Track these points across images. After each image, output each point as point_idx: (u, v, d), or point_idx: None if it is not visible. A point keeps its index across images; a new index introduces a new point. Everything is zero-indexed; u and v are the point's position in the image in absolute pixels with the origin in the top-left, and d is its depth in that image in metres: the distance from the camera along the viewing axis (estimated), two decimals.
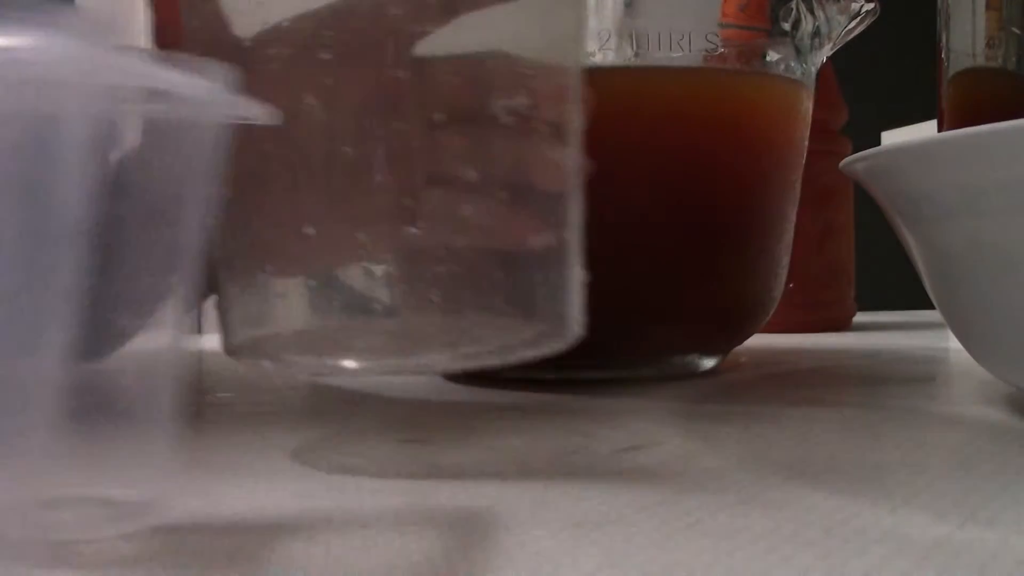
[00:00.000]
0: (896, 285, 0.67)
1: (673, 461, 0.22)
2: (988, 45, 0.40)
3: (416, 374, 0.21)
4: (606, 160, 0.35)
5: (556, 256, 0.23)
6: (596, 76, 0.35)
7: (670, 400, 0.31)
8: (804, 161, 0.39)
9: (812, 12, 0.37)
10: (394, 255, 0.22)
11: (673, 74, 0.35)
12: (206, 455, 0.24)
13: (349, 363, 0.22)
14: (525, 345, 0.22)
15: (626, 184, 0.34)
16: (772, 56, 0.36)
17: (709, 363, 0.39)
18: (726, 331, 0.39)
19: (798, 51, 0.37)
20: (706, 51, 0.35)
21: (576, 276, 0.24)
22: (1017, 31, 0.39)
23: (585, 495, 0.19)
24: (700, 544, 0.15)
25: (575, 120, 0.24)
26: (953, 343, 0.49)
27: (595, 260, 0.35)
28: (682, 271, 0.36)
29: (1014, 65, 0.40)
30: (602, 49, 0.34)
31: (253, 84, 0.18)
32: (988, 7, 0.40)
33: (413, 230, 0.21)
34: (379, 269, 0.22)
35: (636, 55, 0.34)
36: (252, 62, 0.20)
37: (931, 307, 0.29)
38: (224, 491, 0.20)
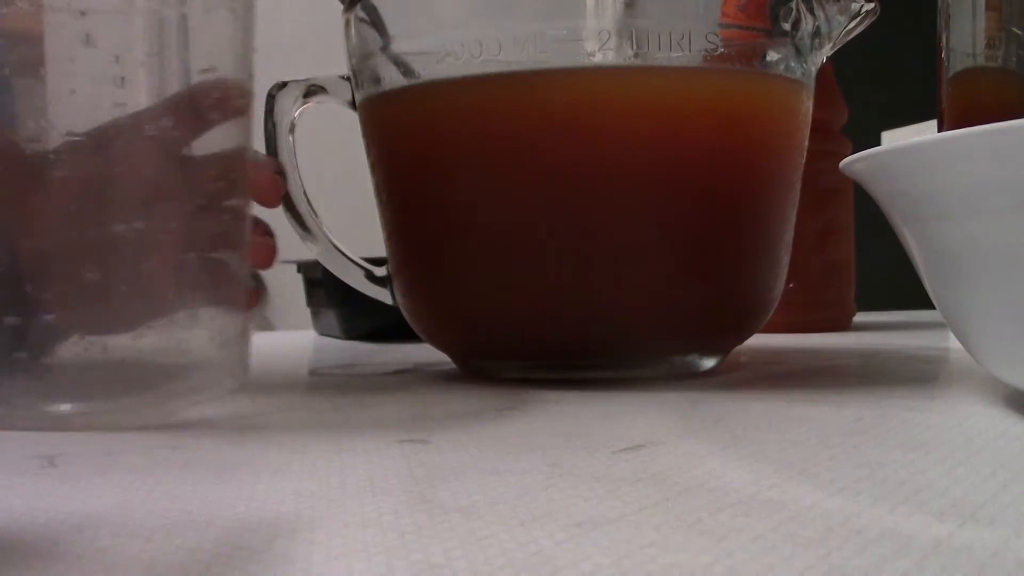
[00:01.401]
0: (896, 285, 0.67)
1: (673, 461, 0.22)
2: (988, 45, 0.40)
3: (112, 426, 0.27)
4: (606, 160, 0.35)
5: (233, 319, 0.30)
6: (596, 76, 0.35)
7: (670, 400, 0.31)
8: (804, 161, 0.39)
9: (812, 12, 0.37)
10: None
11: (673, 74, 0.35)
12: (205, 454, 0.24)
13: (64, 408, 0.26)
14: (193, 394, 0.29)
15: (625, 184, 0.35)
16: (772, 56, 0.36)
17: (709, 363, 0.39)
18: (726, 331, 0.39)
19: (798, 51, 0.37)
20: (706, 51, 0.35)
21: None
22: (1017, 31, 0.39)
23: (585, 495, 0.19)
24: (700, 544, 0.15)
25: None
26: (953, 343, 0.49)
27: (595, 260, 0.35)
28: (682, 271, 0.36)
29: (1014, 65, 0.40)
30: (602, 49, 0.34)
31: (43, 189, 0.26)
32: (988, 7, 0.40)
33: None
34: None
35: (636, 55, 0.34)
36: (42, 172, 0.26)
37: (931, 307, 0.29)
38: (223, 490, 0.20)
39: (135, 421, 0.27)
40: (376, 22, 0.37)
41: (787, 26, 0.36)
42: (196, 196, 0.28)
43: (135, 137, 0.27)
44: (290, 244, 0.44)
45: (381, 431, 0.27)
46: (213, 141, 0.29)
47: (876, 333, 0.61)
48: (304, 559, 0.15)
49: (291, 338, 0.73)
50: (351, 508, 0.18)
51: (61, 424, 0.26)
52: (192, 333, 0.28)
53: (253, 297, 0.37)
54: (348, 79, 0.40)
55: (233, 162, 0.29)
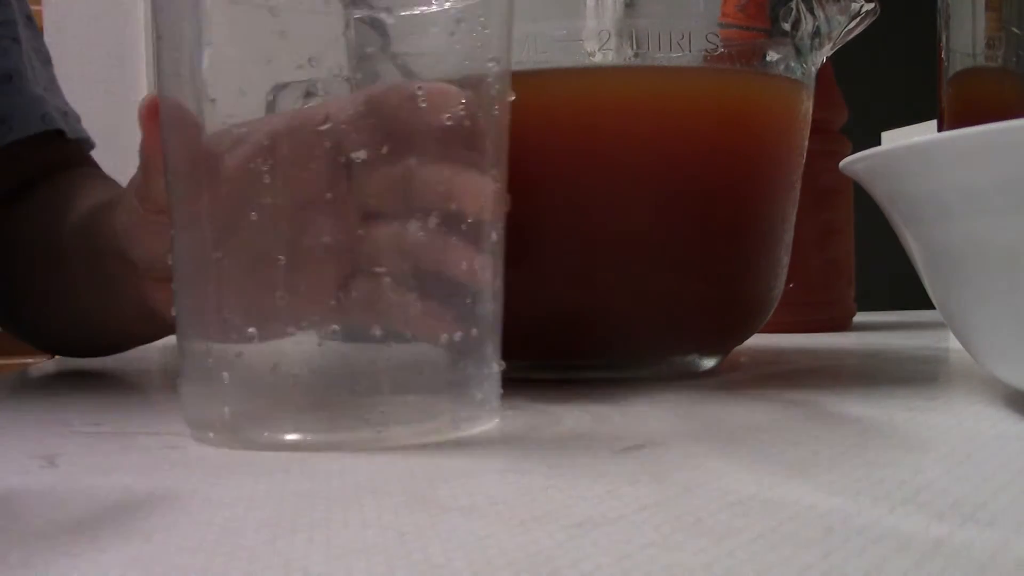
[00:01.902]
0: (896, 285, 0.67)
1: (673, 461, 0.22)
2: (988, 45, 0.40)
3: (355, 450, 0.24)
4: (606, 160, 0.35)
5: (470, 347, 0.26)
6: (597, 76, 0.35)
7: (670, 400, 0.31)
8: (804, 161, 0.39)
9: (812, 12, 0.37)
10: (333, 331, 0.25)
11: (673, 74, 0.35)
12: (205, 454, 0.24)
13: (295, 437, 0.24)
14: (444, 427, 0.25)
15: (626, 184, 0.35)
16: (772, 56, 0.36)
17: (709, 363, 0.39)
18: (726, 331, 0.39)
19: (798, 51, 0.37)
20: (706, 51, 0.35)
21: (493, 366, 0.27)
22: (1017, 31, 0.39)
23: (585, 495, 0.19)
24: (700, 544, 0.15)
25: (495, 220, 0.27)
26: (953, 343, 0.49)
27: (596, 260, 0.35)
28: (682, 271, 0.36)
29: (1014, 65, 0.40)
30: (602, 49, 0.34)
31: (223, 185, 0.24)
32: (988, 7, 0.40)
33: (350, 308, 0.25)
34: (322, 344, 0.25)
35: (636, 55, 0.34)
36: (221, 167, 0.25)
37: (931, 307, 0.29)
38: (224, 490, 0.20)
39: (421, 441, 0.25)
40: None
41: (787, 26, 0.36)
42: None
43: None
44: None
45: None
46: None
47: (876, 333, 0.61)
48: (304, 559, 0.15)
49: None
50: (351, 508, 0.18)
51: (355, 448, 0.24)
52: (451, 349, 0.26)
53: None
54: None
55: (456, 170, 0.26)
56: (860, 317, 0.66)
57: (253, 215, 0.24)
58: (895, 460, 0.21)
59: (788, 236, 0.39)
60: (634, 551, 0.15)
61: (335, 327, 0.25)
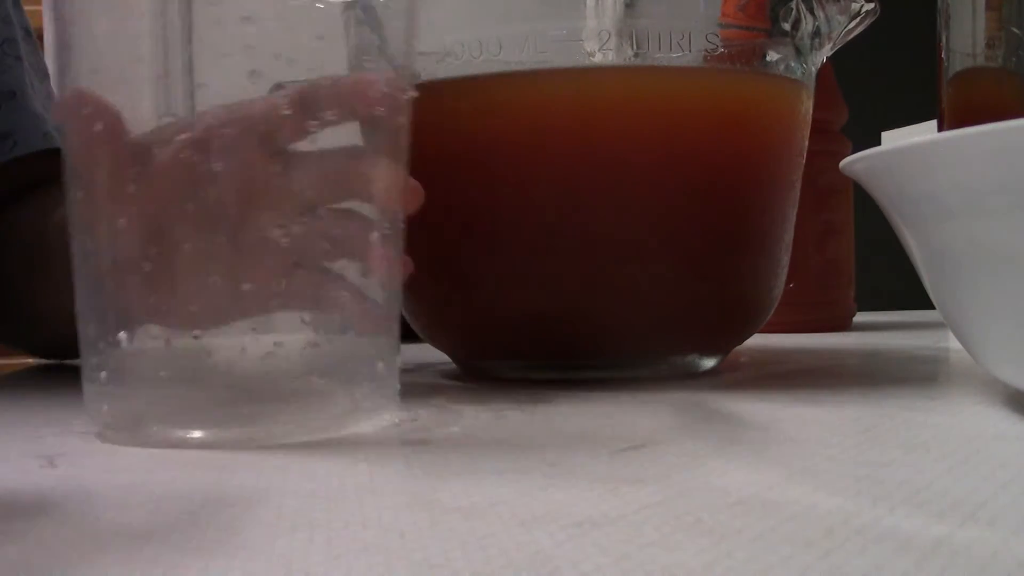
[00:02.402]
0: (896, 285, 0.67)
1: (673, 461, 0.22)
2: (988, 45, 0.40)
3: (260, 446, 0.24)
4: (606, 160, 0.35)
5: (361, 340, 0.26)
6: (596, 76, 0.35)
7: (670, 400, 0.31)
8: (804, 161, 0.39)
9: (812, 12, 0.37)
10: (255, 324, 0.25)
11: (673, 74, 0.35)
12: (205, 454, 0.24)
13: (199, 434, 0.24)
14: (334, 423, 0.26)
15: (625, 184, 0.35)
16: (772, 56, 0.36)
17: (709, 363, 0.39)
18: (726, 331, 0.39)
19: (798, 51, 0.37)
20: (706, 51, 0.35)
21: (386, 361, 0.27)
22: (1017, 31, 0.39)
23: (585, 495, 0.19)
24: (700, 544, 0.15)
25: (391, 211, 0.27)
26: (953, 343, 0.49)
27: (596, 260, 0.35)
28: (682, 271, 0.36)
29: (1014, 65, 0.40)
30: (602, 49, 0.34)
31: (150, 177, 0.25)
32: (988, 7, 0.40)
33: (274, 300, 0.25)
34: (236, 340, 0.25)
35: (636, 55, 0.34)
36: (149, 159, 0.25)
37: (931, 307, 0.29)
38: (224, 490, 0.20)
39: (287, 441, 0.25)
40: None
41: (787, 26, 0.36)
42: (300, 197, 0.26)
43: (237, 131, 0.25)
44: None
45: (381, 431, 0.27)
46: (328, 139, 0.27)
47: (876, 333, 0.61)
48: (304, 559, 0.15)
49: None
50: (351, 508, 0.18)
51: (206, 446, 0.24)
52: (319, 349, 0.26)
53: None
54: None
55: (352, 163, 0.27)
56: (860, 317, 0.66)
57: (123, 222, 0.25)
58: (895, 460, 0.21)
59: (788, 236, 0.39)
60: (634, 551, 0.15)
61: (216, 323, 0.25)
